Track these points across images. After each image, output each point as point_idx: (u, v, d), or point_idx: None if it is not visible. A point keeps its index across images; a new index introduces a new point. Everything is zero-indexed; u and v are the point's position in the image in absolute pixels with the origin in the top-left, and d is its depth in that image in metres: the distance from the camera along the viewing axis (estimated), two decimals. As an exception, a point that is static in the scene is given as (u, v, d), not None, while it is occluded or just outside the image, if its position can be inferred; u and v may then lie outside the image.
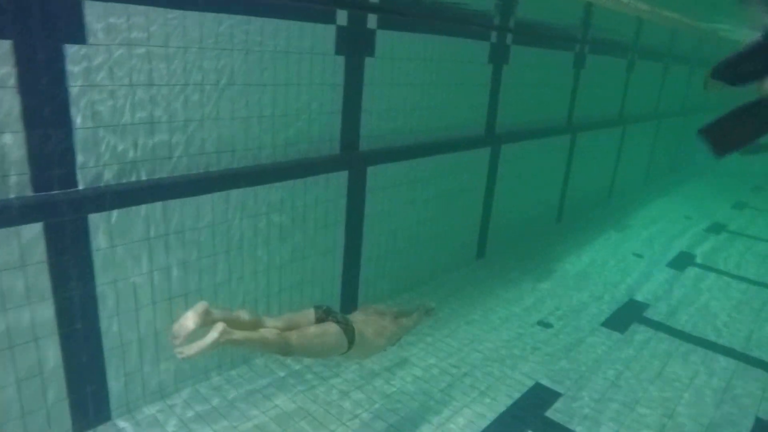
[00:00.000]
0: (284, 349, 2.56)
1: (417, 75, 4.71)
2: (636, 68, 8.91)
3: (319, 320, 2.84)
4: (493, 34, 5.42)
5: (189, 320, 2.33)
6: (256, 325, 2.56)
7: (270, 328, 2.55)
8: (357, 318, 3.09)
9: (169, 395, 3.47)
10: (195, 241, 3.37)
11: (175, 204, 3.23)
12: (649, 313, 5.34)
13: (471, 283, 5.60)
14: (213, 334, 2.26)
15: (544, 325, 4.89)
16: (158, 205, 3.15)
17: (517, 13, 5.57)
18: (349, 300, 4.62)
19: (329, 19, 3.82)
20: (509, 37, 5.65)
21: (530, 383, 3.99)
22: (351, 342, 2.86)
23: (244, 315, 2.54)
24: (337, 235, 4.31)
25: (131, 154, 3.01)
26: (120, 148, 2.95)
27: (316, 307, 2.92)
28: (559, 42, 6.64)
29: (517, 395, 3.82)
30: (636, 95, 9.27)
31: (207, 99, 3.26)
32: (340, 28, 3.90)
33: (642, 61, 9.06)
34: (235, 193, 3.52)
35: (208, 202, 3.38)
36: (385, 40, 4.29)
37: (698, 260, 7.02)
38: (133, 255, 3.10)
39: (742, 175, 12.86)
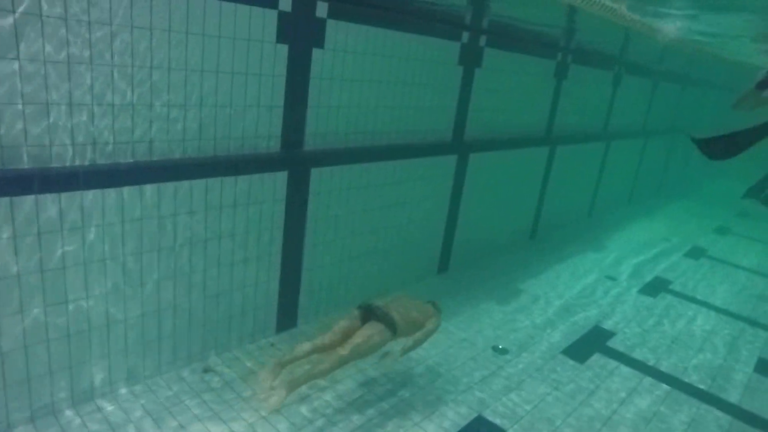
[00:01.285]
0: (341, 365, 3.10)
1: (376, 72, 4.34)
2: (623, 83, 8.60)
3: (364, 319, 3.33)
4: (465, 34, 5.07)
5: (265, 380, 3.01)
6: (315, 349, 3.17)
7: (324, 357, 3.08)
8: (395, 305, 3.49)
9: (61, 411, 3.06)
10: (98, 238, 2.98)
11: (75, 197, 2.83)
12: (614, 343, 4.99)
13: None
14: (279, 397, 2.90)
15: (500, 351, 4.52)
16: (64, 195, 2.77)
17: (491, 14, 5.21)
18: (288, 314, 4.23)
19: (270, 3, 3.44)
20: (483, 39, 5.31)
21: (472, 415, 3.61)
22: (394, 332, 3.32)
23: (306, 347, 3.18)
24: (274, 242, 3.92)
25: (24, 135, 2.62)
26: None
27: (359, 307, 3.40)
28: (540, 48, 6.30)
29: (454, 431, 3.44)
30: (622, 111, 8.96)
31: (120, 83, 2.87)
32: (282, 14, 3.52)
33: (629, 75, 8.76)
34: (150, 189, 3.13)
35: (115, 196, 2.99)
36: (338, 31, 3.93)
37: (673, 287, 6.69)
38: (21, 250, 2.70)
39: (727, 200, 12.60)
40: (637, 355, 4.83)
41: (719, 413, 4.08)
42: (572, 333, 5.04)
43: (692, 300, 6.33)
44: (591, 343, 4.91)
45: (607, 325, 5.34)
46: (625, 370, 4.52)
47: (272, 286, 4.03)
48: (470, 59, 5.24)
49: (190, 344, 3.62)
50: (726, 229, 10.18)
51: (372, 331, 3.20)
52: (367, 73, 4.27)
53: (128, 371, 3.34)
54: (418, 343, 3.52)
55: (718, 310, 6.13)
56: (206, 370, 3.58)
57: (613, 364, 4.59)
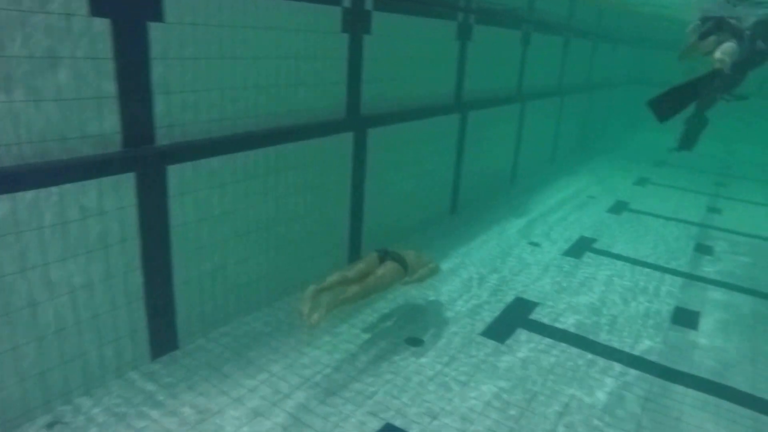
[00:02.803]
0: (365, 296, 3.87)
1: (240, 47, 3.75)
2: (532, 41, 8.35)
3: (381, 259, 4.08)
4: (345, -3, 4.54)
5: (304, 303, 3.55)
6: (343, 280, 3.85)
7: (353, 287, 3.78)
8: (404, 252, 4.24)
9: None
10: None
11: None
12: (537, 314, 4.74)
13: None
14: (316, 315, 3.47)
15: (413, 342, 4.15)
16: None
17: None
18: (164, 336, 3.65)
19: (73, -35, 2.78)
20: (369, 2, 4.79)
21: (377, 426, 3.22)
22: (406, 270, 4.14)
23: (335, 278, 3.85)
24: (128, 258, 3.31)
25: None
26: None
27: (377, 251, 4.17)
28: (437, 9, 5.86)
29: (356, 449, 3.04)
30: (535, 70, 8.75)
31: None
32: (93, -21, 2.86)
33: (539, 34, 8.52)
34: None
35: None
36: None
37: (596, 245, 6.58)
38: None
39: (646, 150, 12.90)
40: (561, 324, 4.60)
41: (639, 373, 3.90)
42: (492, 310, 4.75)
43: (615, 257, 6.22)
44: (513, 318, 4.63)
45: (530, 295, 5.10)
46: (547, 343, 4.26)
47: (136, 308, 3.43)
48: (356, 25, 4.72)
49: (26, 396, 2.98)
50: (645, 180, 10.33)
51: (390, 267, 4.00)
52: (227, 50, 3.67)
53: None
54: (422, 278, 4.38)
55: (639, 263, 6.05)
56: (52, 424, 2.97)
57: (535, 338, 4.32)
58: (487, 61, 7.17)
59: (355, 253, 5.32)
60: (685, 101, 4.47)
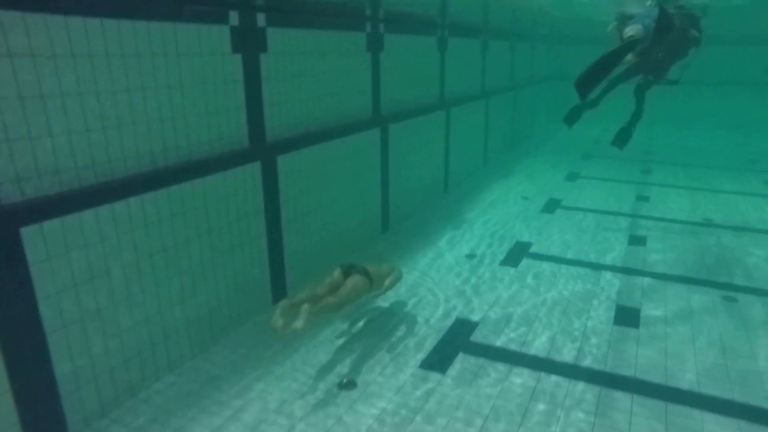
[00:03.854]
0: (339, 307, 3.94)
1: (104, 78, 3.24)
2: (449, 47, 8.20)
3: (346, 274, 4.16)
4: (233, 15, 4.11)
5: (278, 318, 3.56)
6: (311, 297, 3.90)
7: (328, 298, 3.88)
8: (367, 265, 4.36)
9: None
10: None
11: None
12: (477, 335, 4.45)
13: (259, 340, 4.27)
14: (300, 322, 3.48)
15: (344, 386, 3.73)
16: None
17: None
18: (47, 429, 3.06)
19: None
20: (261, 18, 4.39)
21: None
22: (371, 282, 4.25)
23: (304, 296, 3.89)
24: (-18, 344, 2.73)
25: None
26: None
27: (341, 265, 4.24)
28: (341, 21, 5.53)
29: None
30: (456, 76, 8.61)
31: None
32: None
33: (455, 38, 8.39)
34: None
35: None
36: (32, 29, 2.78)
37: (533, 249, 6.42)
38: None
39: (572, 144, 13.13)
40: (503, 342, 4.33)
41: (584, 385, 3.67)
42: (431, 339, 4.40)
43: (553, 259, 6.07)
44: (453, 344, 4.31)
45: (470, 314, 4.80)
46: (493, 368, 3.96)
47: (2, 402, 2.84)
48: (249, 45, 4.29)
49: None
50: (575, 174, 10.42)
51: (357, 280, 4.07)
52: (89, 83, 3.14)
53: None
54: (390, 286, 4.48)
55: (574, 263, 5.93)
56: None
57: (478, 362, 4.02)
58: (404, 71, 6.93)
59: (279, 291, 4.86)
60: (605, 71, 4.54)
